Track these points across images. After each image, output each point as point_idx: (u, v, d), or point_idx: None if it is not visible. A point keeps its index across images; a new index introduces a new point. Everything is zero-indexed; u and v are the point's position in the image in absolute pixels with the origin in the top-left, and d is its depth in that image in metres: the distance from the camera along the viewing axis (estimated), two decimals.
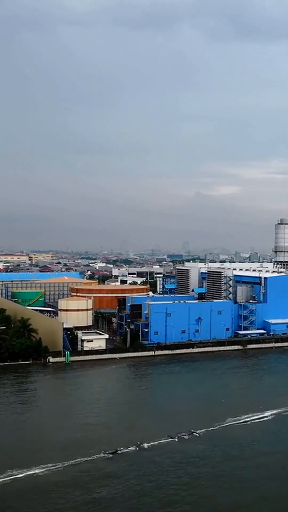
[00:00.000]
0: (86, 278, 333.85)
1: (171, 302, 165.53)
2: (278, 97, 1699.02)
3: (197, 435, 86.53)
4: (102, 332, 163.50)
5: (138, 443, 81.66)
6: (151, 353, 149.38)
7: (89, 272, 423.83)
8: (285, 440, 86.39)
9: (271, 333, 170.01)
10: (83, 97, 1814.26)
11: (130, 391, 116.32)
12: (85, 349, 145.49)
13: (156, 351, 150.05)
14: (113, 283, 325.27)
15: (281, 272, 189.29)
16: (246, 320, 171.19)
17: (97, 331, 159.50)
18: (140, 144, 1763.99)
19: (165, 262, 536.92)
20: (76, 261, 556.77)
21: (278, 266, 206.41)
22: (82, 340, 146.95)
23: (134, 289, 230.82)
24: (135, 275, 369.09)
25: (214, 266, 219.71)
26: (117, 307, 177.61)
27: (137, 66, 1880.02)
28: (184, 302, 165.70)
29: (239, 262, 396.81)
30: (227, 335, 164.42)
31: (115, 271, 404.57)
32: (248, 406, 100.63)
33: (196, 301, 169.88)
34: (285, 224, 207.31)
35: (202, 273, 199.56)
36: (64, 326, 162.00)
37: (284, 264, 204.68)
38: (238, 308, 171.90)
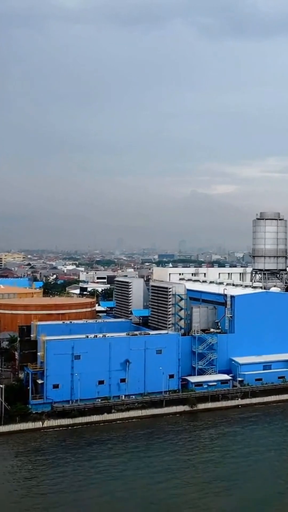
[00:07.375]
0: (45, 283, 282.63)
1: (84, 336, 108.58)
2: (274, 95, 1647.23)
3: None
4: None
5: None
6: (38, 424, 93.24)
7: (54, 276, 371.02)
8: None
9: (238, 378, 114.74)
10: (78, 95, 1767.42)
11: None
12: None
13: (46, 421, 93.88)
14: (73, 291, 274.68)
15: (255, 286, 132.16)
16: (203, 359, 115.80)
17: None
18: (139, 142, 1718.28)
19: (147, 264, 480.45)
20: (49, 262, 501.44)
21: (257, 275, 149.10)
22: None
23: (73, 304, 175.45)
24: (105, 280, 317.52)
25: (163, 273, 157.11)
26: (19, 339, 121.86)
27: (128, 63, 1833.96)
28: (104, 336, 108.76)
29: (221, 262, 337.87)
30: (172, 386, 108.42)
31: (83, 276, 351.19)
32: None
33: (123, 334, 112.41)
34: (267, 219, 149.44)
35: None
36: None
37: (264, 274, 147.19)
38: (191, 342, 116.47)
